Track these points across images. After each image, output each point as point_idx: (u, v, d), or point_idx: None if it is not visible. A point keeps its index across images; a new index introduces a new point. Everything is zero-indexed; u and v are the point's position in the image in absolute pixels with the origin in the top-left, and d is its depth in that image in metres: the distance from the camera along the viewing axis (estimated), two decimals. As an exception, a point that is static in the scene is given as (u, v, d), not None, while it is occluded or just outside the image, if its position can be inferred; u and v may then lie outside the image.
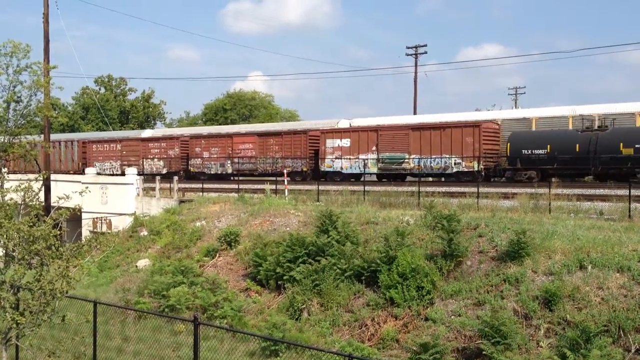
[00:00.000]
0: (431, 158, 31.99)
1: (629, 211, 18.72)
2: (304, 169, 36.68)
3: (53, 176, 30.60)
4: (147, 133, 51.39)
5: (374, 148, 33.78)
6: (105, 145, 46.97)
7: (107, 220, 29.47)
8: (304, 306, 16.36)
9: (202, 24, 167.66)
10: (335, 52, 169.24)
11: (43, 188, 16.02)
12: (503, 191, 24.18)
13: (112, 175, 42.09)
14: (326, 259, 17.11)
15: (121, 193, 30.19)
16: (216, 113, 76.17)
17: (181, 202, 27.98)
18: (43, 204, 12.66)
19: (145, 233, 25.65)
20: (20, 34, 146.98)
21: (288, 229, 21.02)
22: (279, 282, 17.81)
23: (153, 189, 30.19)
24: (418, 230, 18.32)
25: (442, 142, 31.61)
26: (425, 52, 57.27)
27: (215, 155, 40.78)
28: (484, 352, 12.65)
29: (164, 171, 42.07)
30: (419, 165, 32.30)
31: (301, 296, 16.51)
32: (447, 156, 31.52)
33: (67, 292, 10.19)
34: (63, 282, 10.03)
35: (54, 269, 10.15)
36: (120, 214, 28.97)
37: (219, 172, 40.46)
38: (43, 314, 10.10)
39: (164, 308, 17.00)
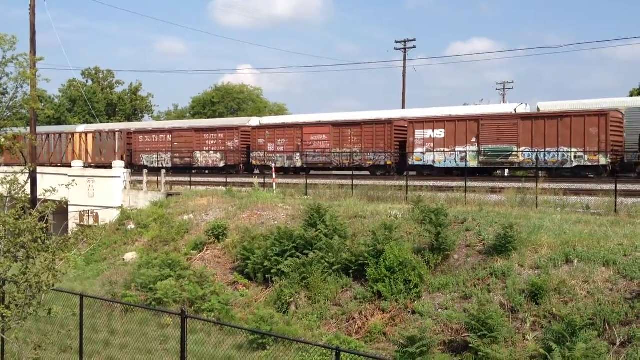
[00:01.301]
0: (545, 151, 28.55)
1: (615, 205, 18.87)
2: (388, 163, 33.08)
3: (39, 169, 30.39)
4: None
5: (474, 139, 30.44)
6: (153, 136, 43.41)
7: (94, 213, 29.30)
8: (292, 299, 16.37)
9: (190, 17, 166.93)
10: (324, 46, 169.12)
11: (29, 181, 15.91)
12: (490, 185, 24.28)
13: (161, 167, 39.92)
14: (314, 252, 17.12)
15: (108, 186, 30.02)
16: (204, 106, 75.96)
17: (169, 195, 27.88)
18: (29, 196, 12.57)
19: (133, 226, 25.56)
20: (5, 26, 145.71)
21: (276, 222, 21.01)
22: (266, 276, 17.81)
23: (140, 182, 30.07)
24: (406, 224, 18.37)
25: (560, 133, 28.30)
26: (414, 47, 57.27)
27: (282, 148, 36.94)
28: (470, 345, 12.71)
29: (221, 164, 39.53)
30: (530, 159, 29.09)
31: (289, 289, 16.52)
32: (566, 149, 28.14)
33: (53, 285, 10.11)
34: (49, 275, 9.95)
35: (40, 261, 10.06)
36: (107, 207, 28.83)
37: (286, 166, 36.80)
38: (29, 307, 10.03)
39: (151, 301, 16.96)
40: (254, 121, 42.85)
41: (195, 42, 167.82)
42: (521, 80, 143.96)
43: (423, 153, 31.70)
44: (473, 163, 30.67)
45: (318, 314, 15.76)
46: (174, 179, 32.94)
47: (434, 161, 31.47)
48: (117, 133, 45.22)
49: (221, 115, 68.57)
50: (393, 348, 13.55)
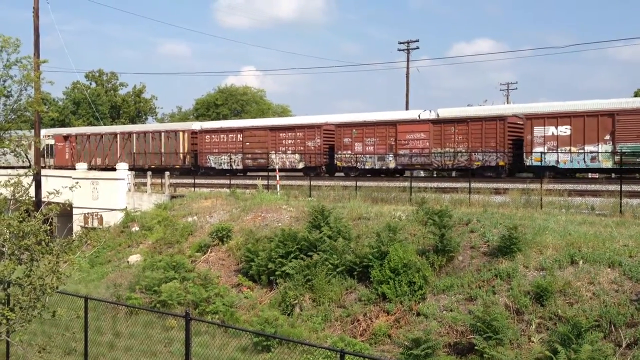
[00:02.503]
0: None
1: (620, 206, 18.78)
2: (500, 164, 29.63)
3: (44, 171, 30.46)
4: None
5: (608, 137, 26.99)
6: (222, 136, 40.12)
7: (98, 216, 29.34)
8: (296, 301, 16.34)
9: (193, 19, 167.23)
10: (327, 47, 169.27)
11: (33, 183, 15.93)
12: (494, 187, 24.19)
13: (231, 169, 38.74)
14: (318, 254, 17.08)
15: (112, 188, 30.06)
16: (208, 108, 76.00)
17: (172, 197, 27.88)
18: (33, 199, 12.59)
19: (137, 228, 25.56)
20: (9, 29, 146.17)
21: (280, 224, 20.98)
22: (271, 278, 17.78)
23: (144, 184, 30.11)
24: (410, 226, 18.32)
25: None
26: (417, 48, 57.12)
27: (372, 147, 33.43)
28: (475, 347, 12.66)
29: (300, 166, 36.09)
30: None
31: (293, 291, 16.49)
32: None
33: (57, 288, 10.12)
34: (53, 278, 9.96)
35: (44, 264, 10.08)
36: (112, 210, 28.88)
37: (377, 167, 33.47)
38: (33, 310, 10.03)
39: (155, 304, 16.94)
40: (196, 125, 41.63)
41: (199, 44, 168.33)
42: (525, 81, 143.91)
43: (543, 153, 28.37)
44: (607, 164, 27.41)
45: (322, 316, 15.73)
46: (177, 181, 32.88)
47: (557, 161, 28.15)
48: (178, 133, 42.98)
49: (224, 117, 68.54)
50: (398, 350, 13.51)
